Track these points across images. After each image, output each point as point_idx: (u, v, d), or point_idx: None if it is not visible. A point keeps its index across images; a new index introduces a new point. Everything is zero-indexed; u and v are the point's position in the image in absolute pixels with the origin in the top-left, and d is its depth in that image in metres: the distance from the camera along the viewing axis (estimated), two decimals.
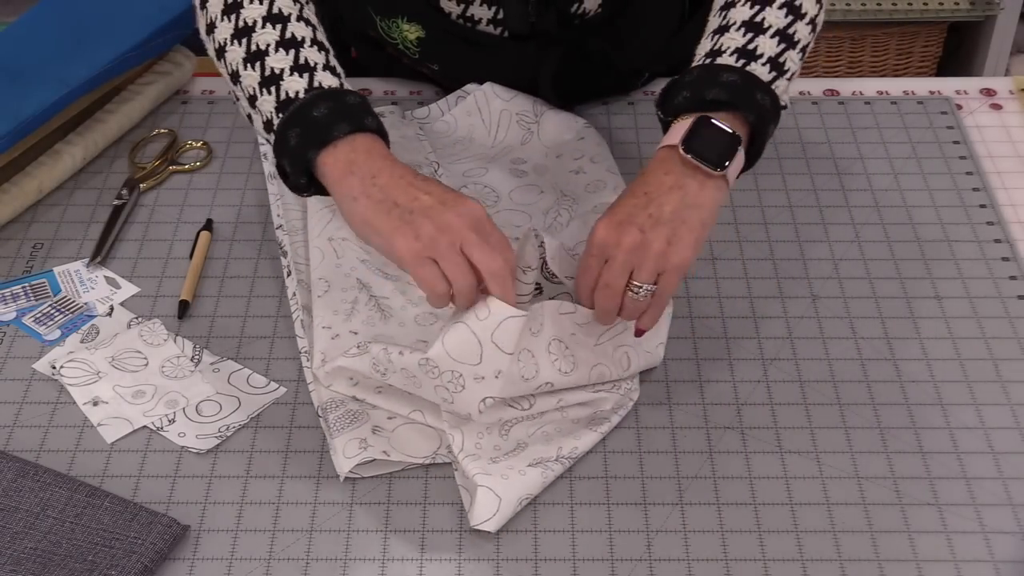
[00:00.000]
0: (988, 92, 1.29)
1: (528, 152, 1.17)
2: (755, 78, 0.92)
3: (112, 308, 1.05)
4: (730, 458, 0.93)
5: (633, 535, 0.88)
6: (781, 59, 0.93)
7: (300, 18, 0.96)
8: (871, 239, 1.12)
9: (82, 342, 1.02)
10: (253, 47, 0.95)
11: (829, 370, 1.00)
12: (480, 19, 1.13)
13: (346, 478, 0.91)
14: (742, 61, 0.92)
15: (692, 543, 0.88)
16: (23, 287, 1.08)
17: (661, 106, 0.94)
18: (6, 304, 1.06)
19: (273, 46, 0.94)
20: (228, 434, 0.95)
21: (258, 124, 0.95)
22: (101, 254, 1.10)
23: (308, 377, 0.98)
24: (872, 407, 0.97)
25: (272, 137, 0.93)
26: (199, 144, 1.23)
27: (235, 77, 0.96)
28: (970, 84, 1.31)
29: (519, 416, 0.92)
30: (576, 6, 1.13)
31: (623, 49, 1.19)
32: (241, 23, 0.96)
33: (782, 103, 0.94)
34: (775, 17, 0.94)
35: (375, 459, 0.90)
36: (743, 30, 0.94)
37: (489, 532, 0.87)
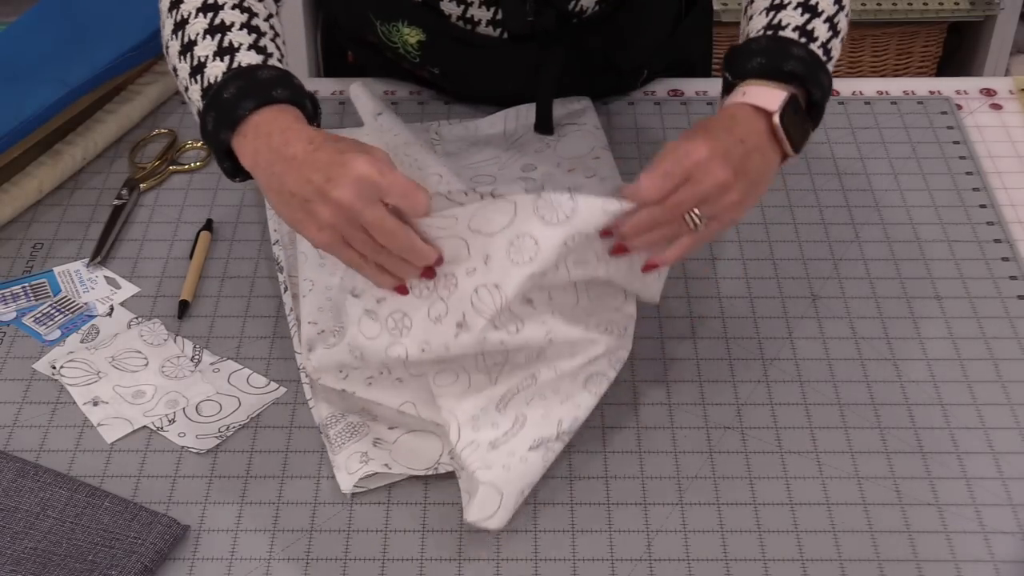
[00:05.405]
0: (988, 92, 1.29)
1: (540, 160, 1.17)
2: (819, 58, 0.92)
3: (112, 308, 1.05)
4: (730, 458, 0.93)
5: (633, 535, 0.88)
6: (829, 45, 0.94)
7: (236, 6, 0.94)
8: (871, 239, 1.12)
9: (82, 342, 1.02)
10: (185, 39, 0.93)
11: (829, 370, 1.00)
12: (480, 20, 1.13)
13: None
14: (804, 39, 0.92)
15: (692, 543, 0.87)
16: (23, 287, 1.08)
17: (730, 68, 0.93)
18: (6, 304, 1.06)
19: (201, 35, 0.92)
20: (228, 434, 0.95)
21: (196, 117, 0.93)
22: (101, 254, 1.09)
23: (307, 394, 0.97)
24: (872, 407, 0.97)
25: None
26: (199, 144, 1.22)
27: (175, 72, 0.95)
28: (970, 84, 1.31)
29: (505, 342, 0.88)
30: (573, 3, 1.13)
31: (622, 47, 1.19)
32: (179, 17, 0.95)
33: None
34: (826, 3, 0.95)
35: (377, 472, 0.90)
36: (800, 10, 0.94)
37: (490, 531, 0.87)
